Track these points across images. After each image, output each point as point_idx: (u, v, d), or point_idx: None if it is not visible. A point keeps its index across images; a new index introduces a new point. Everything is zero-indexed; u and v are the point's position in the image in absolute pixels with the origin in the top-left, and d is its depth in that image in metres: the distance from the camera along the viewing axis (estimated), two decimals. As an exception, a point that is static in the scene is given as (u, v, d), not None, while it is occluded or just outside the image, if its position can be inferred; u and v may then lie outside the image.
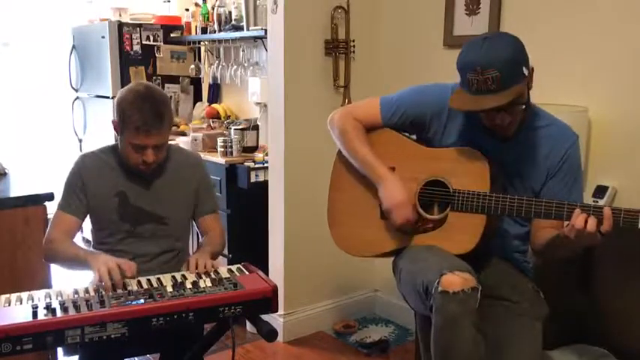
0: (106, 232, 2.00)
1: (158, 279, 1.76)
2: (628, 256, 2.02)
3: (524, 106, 1.75)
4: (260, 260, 2.68)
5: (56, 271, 2.32)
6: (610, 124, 2.32)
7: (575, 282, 2.18)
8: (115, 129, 1.95)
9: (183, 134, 4.16)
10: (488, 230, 1.78)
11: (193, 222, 2.16)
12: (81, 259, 1.83)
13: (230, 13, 3.98)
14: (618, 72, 2.29)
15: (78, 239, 2.06)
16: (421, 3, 3.00)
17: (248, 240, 3.38)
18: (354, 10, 3.06)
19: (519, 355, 1.75)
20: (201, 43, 4.46)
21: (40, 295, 1.63)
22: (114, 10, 4.45)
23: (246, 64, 3.98)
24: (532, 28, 2.53)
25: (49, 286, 2.23)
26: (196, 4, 4.38)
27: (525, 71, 1.69)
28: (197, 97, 4.67)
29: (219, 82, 4.41)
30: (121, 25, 4.29)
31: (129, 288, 1.69)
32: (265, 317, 1.71)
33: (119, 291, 1.67)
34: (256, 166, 3.41)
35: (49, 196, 2.27)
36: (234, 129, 3.71)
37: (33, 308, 1.51)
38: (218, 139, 3.63)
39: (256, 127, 3.78)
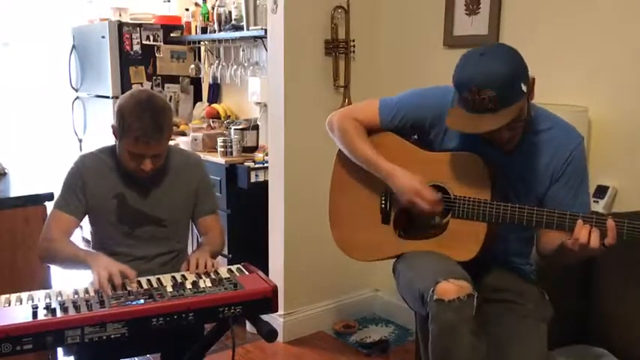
0: (105, 234, 2.00)
1: (158, 279, 1.76)
2: (629, 257, 2.02)
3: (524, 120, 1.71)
4: (260, 260, 2.68)
5: (56, 271, 2.32)
6: (610, 124, 2.32)
7: (576, 283, 2.18)
8: (113, 133, 1.94)
9: (183, 134, 4.16)
10: (489, 238, 1.76)
11: (192, 223, 2.16)
12: (80, 259, 1.82)
13: (230, 13, 3.98)
14: (618, 72, 2.29)
15: (78, 239, 2.05)
16: (421, 3, 3.00)
17: (248, 240, 3.38)
18: (354, 10, 3.06)
19: (525, 356, 1.74)
20: (201, 43, 4.46)
21: (40, 295, 1.63)
22: (114, 10, 4.45)
23: (246, 64, 3.98)
24: (532, 28, 2.54)
25: (49, 286, 2.23)
26: (196, 4, 4.38)
27: (524, 87, 1.63)
28: (197, 97, 4.67)
29: (219, 82, 4.41)
30: (121, 25, 4.29)
31: (129, 288, 1.69)
32: (265, 317, 1.71)
33: (119, 291, 1.67)
34: (256, 166, 3.41)
35: (49, 196, 2.27)
36: (234, 129, 3.71)
37: (33, 308, 1.51)
38: (218, 139, 3.63)
39: (256, 127, 3.78)
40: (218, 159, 3.52)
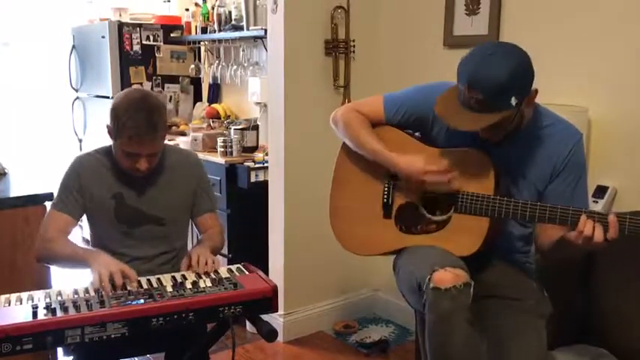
0: (104, 234, 1.99)
1: (158, 279, 1.76)
2: (629, 256, 2.02)
3: (512, 122, 1.71)
4: (260, 260, 2.69)
5: (56, 271, 2.32)
6: (610, 124, 2.32)
7: (575, 282, 2.18)
8: (108, 133, 1.93)
9: (183, 134, 4.16)
10: (491, 233, 1.77)
11: (192, 221, 2.16)
12: (79, 258, 1.82)
13: (230, 13, 3.98)
14: (618, 72, 2.29)
15: (78, 239, 2.05)
16: (421, 3, 3.00)
17: (248, 240, 3.38)
18: (354, 10, 3.06)
19: (524, 351, 1.75)
20: (201, 43, 4.46)
21: (40, 295, 1.63)
22: (114, 10, 4.45)
23: (246, 64, 3.98)
24: (532, 28, 2.54)
25: (49, 286, 2.23)
26: (196, 4, 4.38)
27: (514, 101, 1.63)
28: (197, 97, 4.67)
29: (219, 82, 4.41)
30: (121, 25, 4.29)
31: (129, 288, 1.69)
32: (265, 317, 1.71)
33: (119, 291, 1.67)
34: (256, 166, 3.41)
35: (49, 196, 2.27)
36: (234, 129, 3.71)
37: (33, 308, 1.51)
38: (218, 139, 3.63)
39: (256, 127, 3.78)
40: (218, 159, 3.52)
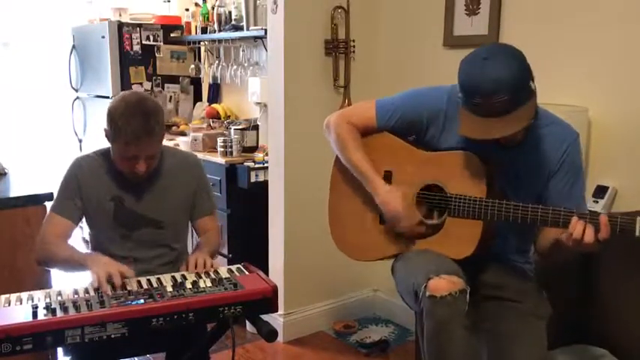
0: (103, 237, 1.99)
1: (158, 279, 1.76)
2: (628, 256, 2.02)
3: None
4: (260, 260, 2.68)
5: (56, 271, 2.32)
6: (610, 124, 2.32)
7: (575, 282, 2.18)
8: (106, 137, 1.93)
9: (183, 134, 4.16)
10: (485, 236, 1.77)
11: (190, 223, 2.16)
12: (77, 261, 1.82)
13: (230, 13, 3.98)
14: (618, 72, 2.29)
15: (78, 240, 2.05)
16: (421, 3, 3.00)
17: (248, 240, 3.38)
18: (354, 10, 3.06)
19: (525, 354, 1.75)
20: (201, 43, 4.46)
21: (40, 295, 1.63)
22: (114, 10, 4.45)
23: (246, 64, 3.98)
24: (532, 28, 2.54)
25: (49, 286, 2.23)
26: (196, 4, 4.38)
27: (532, 85, 1.63)
28: (197, 97, 4.67)
29: (219, 82, 4.41)
30: (121, 25, 4.29)
31: (129, 288, 1.69)
32: (265, 317, 1.71)
33: (119, 291, 1.67)
34: (256, 166, 3.41)
35: (49, 196, 2.27)
36: (234, 129, 3.71)
37: (33, 308, 1.51)
38: (218, 139, 3.63)
39: (256, 127, 3.78)
40: (218, 159, 3.52)
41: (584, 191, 1.85)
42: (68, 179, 1.97)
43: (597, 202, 2.27)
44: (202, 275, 1.80)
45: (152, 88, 4.39)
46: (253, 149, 3.65)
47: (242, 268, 1.87)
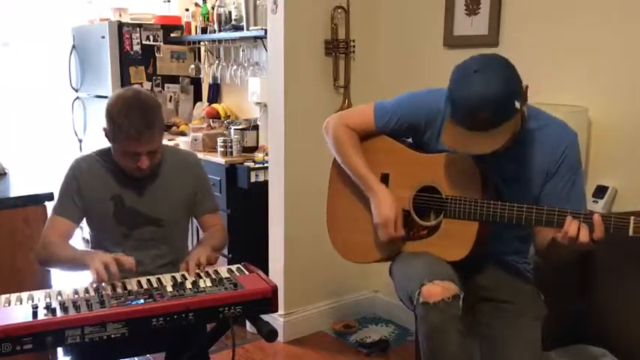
0: (103, 236, 1.99)
1: (158, 279, 1.76)
2: (627, 256, 2.02)
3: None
4: (260, 260, 2.68)
5: (56, 271, 2.32)
6: (610, 124, 2.32)
7: (574, 282, 2.18)
8: (106, 136, 1.93)
9: (183, 134, 4.16)
10: (481, 237, 1.77)
11: (194, 221, 2.16)
12: (77, 259, 1.83)
13: (230, 13, 3.98)
14: (618, 72, 2.29)
15: (78, 239, 2.05)
16: (421, 3, 3.00)
17: (248, 240, 3.38)
18: (354, 10, 3.06)
19: (519, 355, 1.75)
20: (201, 43, 4.46)
21: (40, 295, 1.63)
22: (114, 10, 4.45)
23: (246, 64, 3.98)
24: (532, 28, 2.54)
25: (49, 286, 2.23)
26: (196, 4, 4.38)
27: (517, 104, 1.63)
28: (197, 97, 4.68)
29: (219, 82, 4.41)
30: (121, 25, 4.29)
31: (129, 288, 1.69)
32: (265, 317, 1.71)
33: (119, 291, 1.67)
34: (256, 166, 3.41)
35: (49, 196, 2.27)
36: (234, 129, 3.71)
37: (33, 308, 1.51)
38: (218, 139, 3.63)
39: (256, 127, 3.78)
40: (218, 159, 3.52)
41: (584, 192, 1.84)
42: (68, 180, 1.97)
43: (597, 202, 2.27)
44: (202, 275, 1.80)
45: (152, 88, 4.40)
46: (253, 149, 3.65)
47: (242, 268, 1.87)
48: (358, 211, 2.00)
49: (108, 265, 1.71)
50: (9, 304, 1.59)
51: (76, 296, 1.63)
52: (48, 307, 1.52)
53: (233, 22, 3.93)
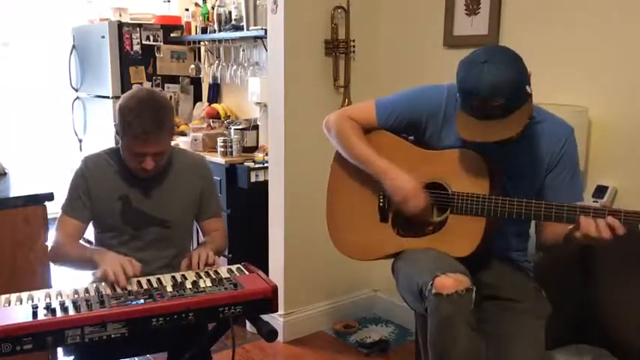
0: (109, 235, 2.00)
1: (158, 279, 1.76)
2: (628, 255, 2.02)
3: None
4: (260, 260, 2.68)
5: (56, 271, 2.32)
6: (610, 124, 2.32)
7: (575, 282, 2.18)
8: (116, 133, 1.94)
9: (183, 134, 4.16)
10: (488, 233, 1.77)
11: (197, 224, 2.16)
12: (87, 259, 1.84)
13: (230, 13, 3.98)
14: (618, 72, 2.29)
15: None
16: (421, 3, 3.00)
17: (248, 240, 3.38)
18: (354, 10, 3.06)
19: (523, 353, 1.75)
20: (201, 43, 4.46)
21: (40, 295, 1.63)
22: (114, 10, 4.45)
23: (246, 64, 3.98)
24: (532, 28, 2.54)
25: (49, 286, 2.22)
26: (196, 4, 4.38)
27: (529, 89, 1.67)
28: (197, 97, 4.67)
29: (219, 82, 4.41)
30: (121, 25, 4.29)
31: (129, 288, 1.69)
32: (265, 317, 1.71)
33: (119, 291, 1.67)
34: (256, 166, 3.41)
35: (49, 196, 2.27)
36: (234, 129, 3.71)
37: (33, 308, 1.51)
38: (218, 139, 3.63)
39: (256, 127, 3.78)
40: (218, 159, 3.52)
41: (582, 186, 1.88)
42: (76, 179, 1.98)
43: (597, 202, 2.27)
44: (202, 275, 1.80)
45: (152, 88, 4.39)
46: (253, 149, 3.65)
47: (242, 268, 1.87)
48: (359, 208, 1.99)
49: (124, 265, 1.72)
50: (9, 304, 1.59)
51: (76, 296, 1.63)
52: (48, 307, 1.52)
53: (233, 22, 3.93)
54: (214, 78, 4.37)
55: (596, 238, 1.57)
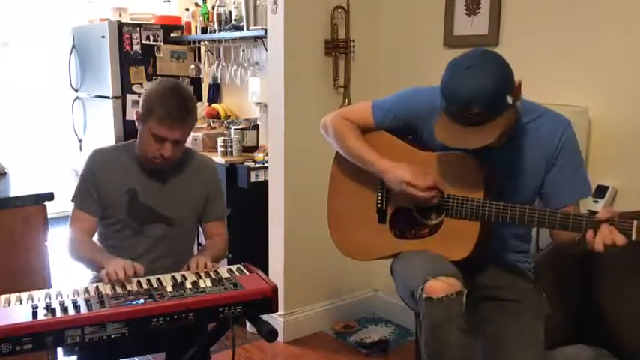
0: (114, 229, 2.01)
1: (158, 279, 1.76)
2: (628, 256, 2.02)
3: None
4: (260, 260, 2.68)
5: (56, 271, 2.33)
6: (610, 124, 2.32)
7: (574, 282, 2.18)
8: (137, 119, 1.96)
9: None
10: (483, 237, 1.77)
11: (199, 226, 2.17)
12: (97, 263, 1.85)
13: (230, 13, 3.98)
14: (618, 72, 2.29)
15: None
16: (421, 3, 3.00)
17: (248, 240, 3.38)
18: (354, 10, 3.06)
19: (522, 353, 1.75)
20: (201, 43, 4.46)
21: (40, 295, 1.63)
22: (114, 10, 4.45)
23: (246, 64, 3.99)
24: (532, 28, 2.54)
25: (49, 286, 2.23)
26: (196, 4, 4.38)
27: (509, 99, 1.64)
28: (197, 97, 4.67)
29: (219, 82, 4.41)
30: (121, 25, 4.29)
31: (129, 288, 1.69)
32: (265, 317, 1.71)
33: (119, 291, 1.67)
34: (256, 166, 3.41)
35: (49, 196, 2.27)
36: (234, 129, 3.71)
37: (33, 308, 1.51)
38: (218, 139, 3.63)
39: (256, 127, 3.78)
40: (218, 159, 3.52)
41: (588, 180, 1.84)
42: (85, 173, 2.00)
43: (597, 202, 2.27)
44: (202, 275, 1.80)
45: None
46: (253, 149, 3.65)
47: (242, 268, 1.87)
48: (358, 209, 2.00)
49: (125, 265, 1.73)
50: (9, 304, 1.59)
51: (76, 296, 1.63)
52: (48, 307, 1.52)
53: (233, 22, 3.93)
54: (214, 78, 4.37)
55: (609, 245, 1.56)
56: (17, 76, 5.14)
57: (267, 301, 1.69)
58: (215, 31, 4.09)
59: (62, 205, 2.29)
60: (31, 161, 4.97)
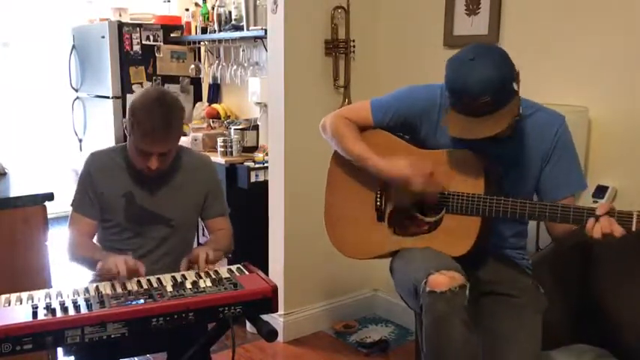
0: (112, 231, 2.01)
1: (158, 279, 1.76)
2: (627, 255, 2.02)
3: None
4: (260, 260, 2.68)
5: (56, 271, 2.33)
6: (610, 124, 2.32)
7: (574, 282, 2.18)
8: (124, 129, 1.96)
9: (184, 134, 4.16)
10: (483, 232, 1.78)
11: (202, 223, 2.16)
12: (96, 261, 1.84)
13: (230, 13, 3.98)
14: (618, 72, 2.29)
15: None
16: (421, 3, 3.00)
17: (248, 240, 3.38)
18: (354, 10, 3.06)
19: (521, 348, 1.76)
20: (201, 43, 4.46)
21: (40, 295, 1.63)
22: (114, 10, 4.45)
23: (246, 64, 3.99)
24: (532, 28, 2.54)
25: (49, 286, 2.23)
26: (196, 4, 4.38)
27: (515, 86, 1.70)
28: (197, 97, 4.67)
29: (219, 82, 4.41)
30: (121, 25, 4.29)
31: (129, 288, 1.69)
32: (265, 317, 1.71)
33: (119, 291, 1.67)
34: (256, 166, 3.41)
35: (49, 196, 2.27)
36: (234, 129, 3.71)
37: (33, 308, 1.51)
38: (218, 139, 3.63)
39: (256, 127, 3.78)
40: (218, 159, 3.52)
41: (582, 173, 1.88)
42: (83, 176, 2.00)
43: (597, 202, 2.26)
44: (202, 275, 1.80)
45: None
46: (253, 149, 3.65)
47: (242, 268, 1.87)
48: (357, 208, 2.00)
49: (127, 260, 1.73)
50: (9, 304, 1.59)
51: (76, 296, 1.63)
52: (48, 307, 1.52)
53: (233, 22, 3.93)
54: (214, 78, 4.37)
55: (607, 235, 1.58)
56: (17, 76, 5.14)
57: (267, 301, 1.69)
58: (215, 31, 4.09)
59: (62, 205, 2.29)
60: (31, 161, 4.97)
